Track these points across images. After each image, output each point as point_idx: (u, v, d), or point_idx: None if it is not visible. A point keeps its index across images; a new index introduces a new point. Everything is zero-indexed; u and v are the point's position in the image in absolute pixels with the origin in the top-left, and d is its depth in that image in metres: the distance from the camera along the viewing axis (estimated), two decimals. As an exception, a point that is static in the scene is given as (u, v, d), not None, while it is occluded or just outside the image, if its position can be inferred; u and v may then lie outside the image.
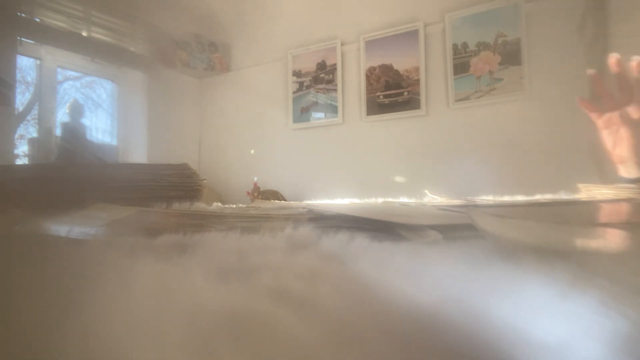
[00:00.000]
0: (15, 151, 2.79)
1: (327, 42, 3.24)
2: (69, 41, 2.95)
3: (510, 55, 2.59)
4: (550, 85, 2.47)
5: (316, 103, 3.29)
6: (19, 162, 2.83)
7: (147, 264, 0.23)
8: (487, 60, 2.66)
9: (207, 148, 3.89)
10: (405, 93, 2.92)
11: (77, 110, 2.91)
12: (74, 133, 2.86)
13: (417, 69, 2.89)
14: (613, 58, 0.72)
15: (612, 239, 0.30)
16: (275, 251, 0.29)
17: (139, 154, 3.38)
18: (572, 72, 2.42)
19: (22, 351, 0.14)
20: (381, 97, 3.01)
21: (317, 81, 3.29)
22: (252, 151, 3.59)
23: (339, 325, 0.14)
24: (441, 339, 0.13)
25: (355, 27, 3.13)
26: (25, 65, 2.98)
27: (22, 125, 3.01)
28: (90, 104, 3.45)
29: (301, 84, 3.35)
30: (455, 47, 2.76)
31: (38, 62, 2.93)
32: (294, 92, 3.38)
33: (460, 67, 2.74)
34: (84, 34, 3.03)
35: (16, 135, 2.85)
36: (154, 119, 3.44)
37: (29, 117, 3.05)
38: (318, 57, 3.29)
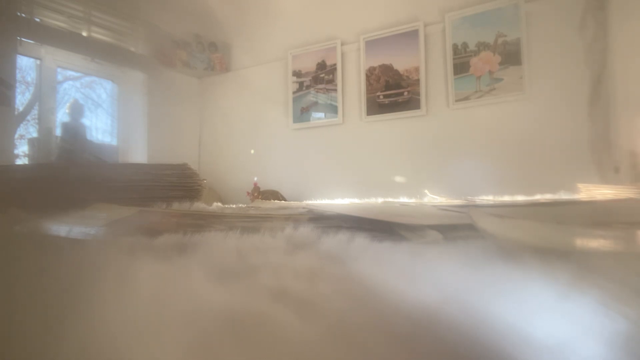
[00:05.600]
0: (15, 151, 2.79)
1: (327, 42, 3.24)
2: (69, 41, 2.95)
3: (510, 55, 2.59)
4: (550, 85, 2.47)
5: (316, 103, 3.29)
6: (19, 162, 2.83)
7: (147, 264, 0.23)
8: (487, 60, 2.66)
9: (207, 148, 3.88)
10: (405, 93, 2.92)
11: (77, 110, 2.91)
12: (74, 133, 2.86)
13: (417, 69, 2.89)
14: None
15: (612, 239, 0.30)
16: (275, 251, 0.29)
17: (139, 154, 3.38)
18: (572, 72, 2.42)
19: (22, 350, 0.14)
20: (381, 97, 3.01)
21: (317, 81, 3.29)
22: (252, 151, 3.59)
23: (339, 325, 0.14)
24: (441, 339, 0.13)
25: (355, 27, 3.12)
26: (25, 65, 2.98)
27: (22, 125, 3.01)
28: (90, 104, 3.45)
29: (301, 84, 3.35)
30: (455, 47, 2.76)
31: (38, 62, 2.93)
32: (294, 92, 3.38)
33: (460, 67, 2.74)
34: (84, 34, 3.03)
35: (16, 135, 2.85)
36: (154, 119, 3.43)
37: (29, 117, 3.05)
38: (318, 57, 3.28)
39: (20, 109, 2.95)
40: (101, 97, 3.56)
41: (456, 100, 2.73)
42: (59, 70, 3.07)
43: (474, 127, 2.68)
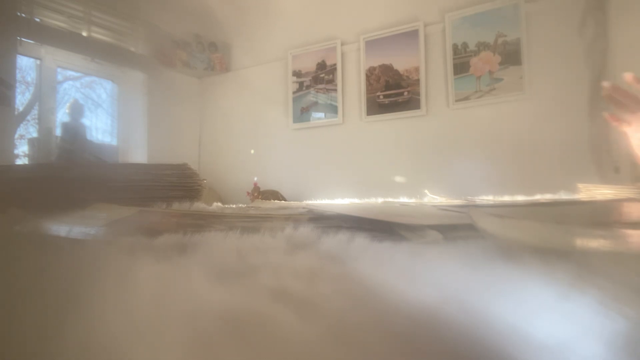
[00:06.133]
0: (15, 151, 2.79)
1: (327, 42, 3.24)
2: (69, 41, 2.95)
3: (510, 55, 2.59)
4: (550, 85, 2.47)
5: (316, 103, 3.29)
6: (19, 162, 2.83)
7: (147, 264, 0.23)
8: (487, 60, 2.66)
9: (207, 148, 3.88)
10: (405, 93, 2.92)
11: (77, 110, 2.91)
12: (74, 133, 2.86)
13: (417, 69, 2.89)
14: (629, 76, 0.74)
15: (612, 239, 0.30)
16: (275, 251, 0.29)
17: (139, 154, 3.38)
18: (572, 72, 2.42)
19: (22, 350, 0.14)
20: (381, 97, 3.01)
21: (317, 81, 3.29)
22: (252, 151, 3.59)
23: (339, 325, 0.14)
24: (441, 339, 0.13)
25: (355, 27, 3.12)
26: (25, 65, 2.98)
27: (22, 125, 3.01)
28: (90, 104, 3.45)
29: (301, 84, 3.35)
30: (455, 47, 2.76)
31: (38, 62, 2.93)
32: (294, 92, 3.38)
33: (460, 67, 2.74)
34: (84, 34, 3.03)
35: (16, 135, 2.85)
36: (154, 119, 3.43)
37: (29, 117, 3.05)
38: (318, 57, 3.28)
39: (20, 109, 2.95)
40: (101, 97, 3.56)
41: (456, 100, 2.73)
42: (59, 70, 3.07)
43: (474, 127, 2.68)
